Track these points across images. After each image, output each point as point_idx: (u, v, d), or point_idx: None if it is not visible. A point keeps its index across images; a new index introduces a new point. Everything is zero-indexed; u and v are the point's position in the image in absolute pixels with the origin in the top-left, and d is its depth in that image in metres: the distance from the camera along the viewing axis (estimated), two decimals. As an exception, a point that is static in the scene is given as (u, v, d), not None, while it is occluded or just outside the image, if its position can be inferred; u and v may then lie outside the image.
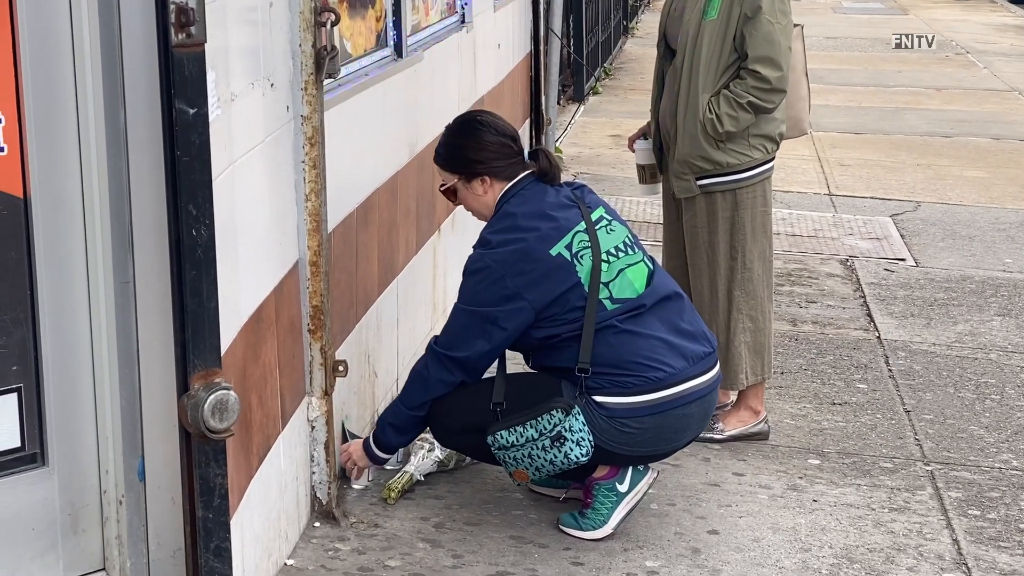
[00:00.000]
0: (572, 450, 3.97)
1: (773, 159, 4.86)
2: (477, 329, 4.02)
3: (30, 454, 3.14)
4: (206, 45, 2.87)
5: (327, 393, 4.07)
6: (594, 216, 4.13)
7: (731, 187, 4.76)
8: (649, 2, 20.13)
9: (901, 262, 7.51)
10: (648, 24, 17.77)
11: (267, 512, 3.73)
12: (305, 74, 3.83)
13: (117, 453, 3.20)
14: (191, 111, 2.85)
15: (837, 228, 8.21)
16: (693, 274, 4.86)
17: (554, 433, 3.96)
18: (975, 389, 5.60)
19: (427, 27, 5.58)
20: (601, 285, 4.02)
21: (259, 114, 3.60)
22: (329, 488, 4.13)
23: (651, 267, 4.17)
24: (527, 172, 4.16)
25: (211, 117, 2.98)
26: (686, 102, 4.73)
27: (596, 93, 12.71)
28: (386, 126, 4.85)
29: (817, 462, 4.80)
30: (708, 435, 4.89)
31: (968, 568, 4.09)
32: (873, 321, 6.45)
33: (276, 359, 3.76)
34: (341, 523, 4.14)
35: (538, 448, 3.98)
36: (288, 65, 3.79)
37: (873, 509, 4.45)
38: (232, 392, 2.94)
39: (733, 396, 5.05)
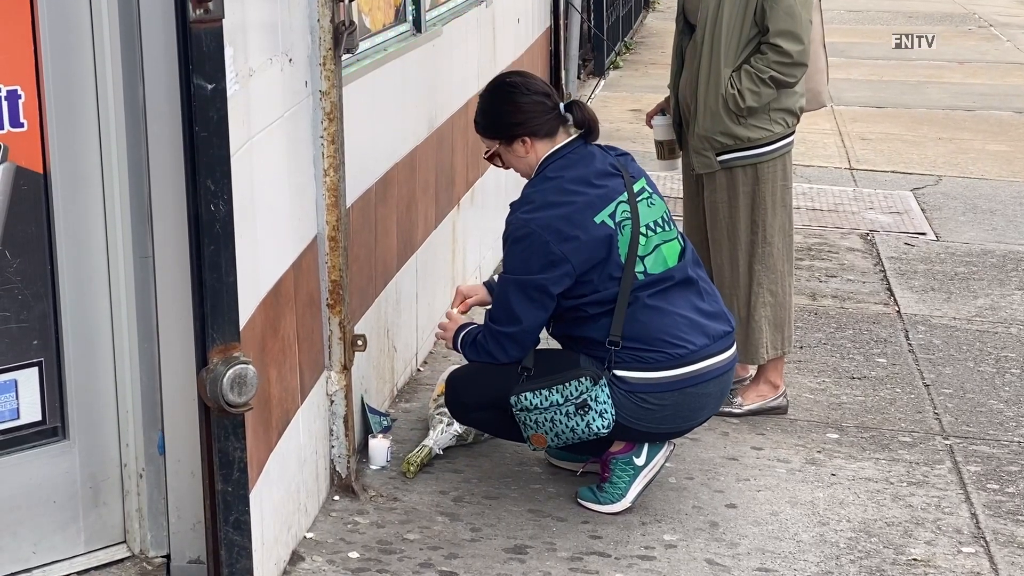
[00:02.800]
0: (594, 420, 3.97)
1: (793, 133, 4.85)
2: (528, 298, 4.01)
3: (51, 428, 3.17)
4: (224, 21, 2.88)
5: (346, 367, 4.09)
6: (636, 187, 4.11)
7: (752, 162, 4.75)
8: (670, -24, 20.06)
9: (922, 236, 7.49)
10: (669, -2, 17.73)
11: (286, 485, 3.75)
12: (323, 49, 3.84)
13: (137, 427, 3.24)
14: (209, 87, 2.87)
15: (858, 202, 8.19)
16: (714, 249, 4.85)
17: (579, 400, 3.97)
18: (995, 363, 5.59)
19: (446, 2, 5.58)
20: (637, 259, 4.02)
21: (277, 89, 3.60)
22: (348, 462, 4.16)
23: (683, 244, 4.17)
24: (572, 136, 4.15)
25: (229, 93, 2.99)
26: (707, 77, 4.72)
27: (616, 67, 12.68)
28: (405, 101, 4.86)
29: (836, 436, 4.81)
30: (727, 409, 4.90)
31: (986, 542, 4.09)
32: (893, 295, 6.43)
33: (295, 333, 3.78)
34: (360, 496, 4.16)
35: (561, 414, 3.99)
36: (306, 40, 3.80)
37: (891, 483, 4.45)
38: (251, 366, 2.96)
39: (752, 370, 5.05)
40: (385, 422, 4.55)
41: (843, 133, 10.11)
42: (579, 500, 4.19)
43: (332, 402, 4.10)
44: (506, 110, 4.15)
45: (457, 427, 4.50)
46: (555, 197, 4.02)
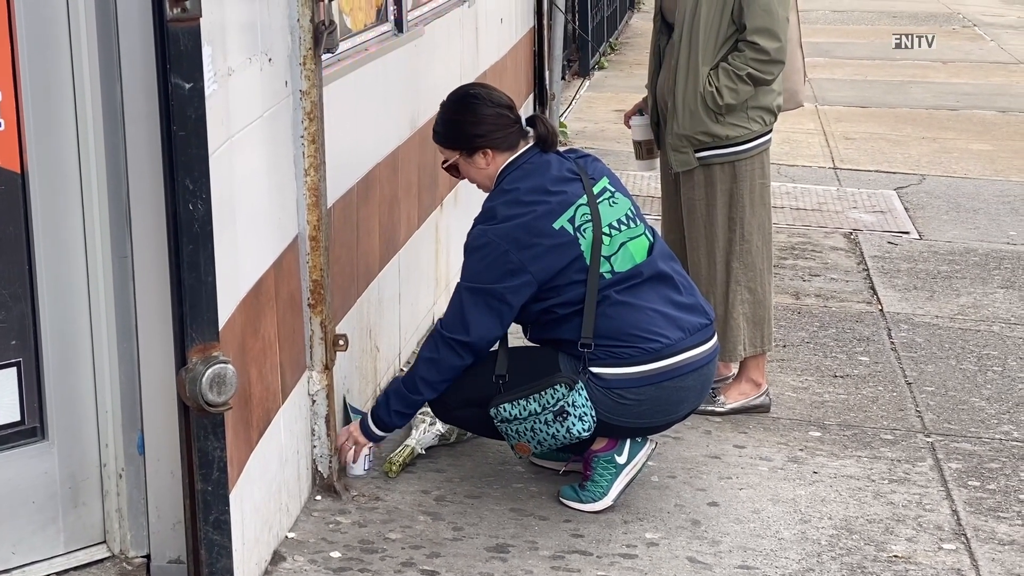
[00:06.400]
0: (574, 424, 3.98)
1: (771, 131, 4.86)
2: (483, 307, 4.02)
3: (30, 428, 3.17)
4: (202, 19, 2.88)
5: (327, 367, 4.08)
6: (596, 188, 4.12)
7: (730, 159, 4.76)
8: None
9: (905, 235, 7.50)
10: (654, -2, 17.72)
11: (267, 485, 3.75)
12: (303, 49, 3.83)
13: (117, 427, 3.23)
14: (187, 86, 2.87)
15: (841, 201, 8.21)
16: (691, 247, 4.86)
17: (557, 408, 3.98)
18: (977, 361, 5.60)
19: (428, 2, 5.58)
20: (603, 259, 4.03)
21: (257, 89, 3.60)
22: (330, 462, 4.15)
23: (651, 239, 4.17)
24: (529, 145, 4.17)
25: (208, 92, 2.99)
26: (685, 76, 4.73)
27: (601, 68, 12.69)
28: (387, 101, 4.86)
29: (818, 434, 4.82)
30: (709, 408, 4.91)
31: (967, 538, 4.11)
32: (876, 294, 6.45)
33: (276, 333, 3.77)
34: (342, 496, 4.16)
35: (540, 422, 4.00)
36: (286, 40, 3.79)
37: (873, 480, 4.46)
38: (230, 366, 2.96)
39: (735, 369, 5.06)
40: (367, 422, 4.54)
41: (827, 132, 10.13)
42: (561, 499, 4.20)
43: (314, 402, 4.09)
44: (469, 121, 4.16)
45: (440, 427, 4.50)
46: (513, 209, 4.02)
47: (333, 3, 4.00)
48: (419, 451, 4.45)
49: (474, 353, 4.06)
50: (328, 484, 4.16)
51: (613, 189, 4.17)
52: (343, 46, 4.33)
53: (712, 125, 4.72)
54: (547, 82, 8.56)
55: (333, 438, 4.15)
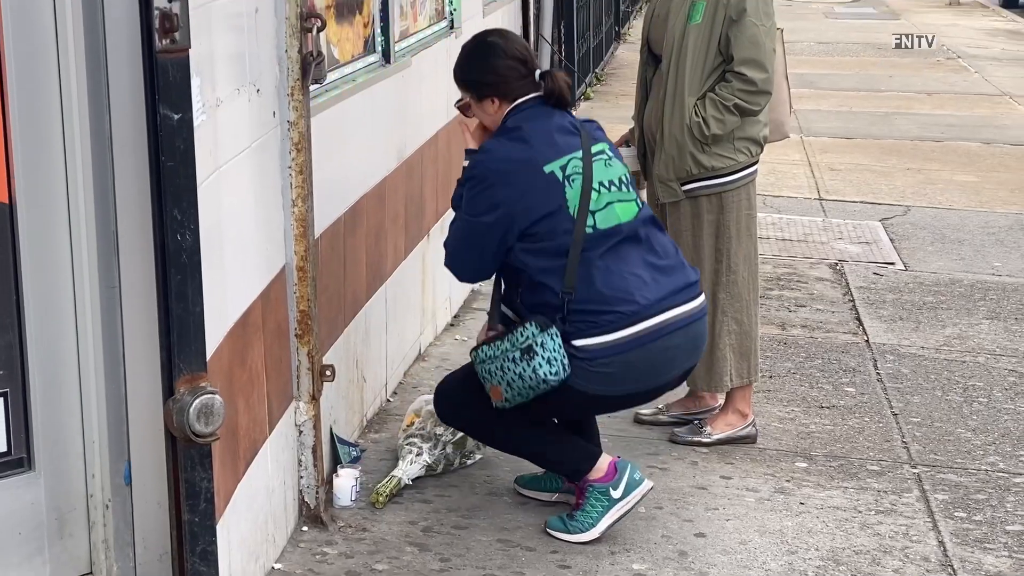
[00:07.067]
0: (541, 366, 3.97)
1: (757, 162, 4.88)
2: (471, 239, 4.09)
3: (16, 458, 3.15)
4: (191, 51, 2.88)
5: (314, 398, 4.08)
6: (595, 148, 4.17)
7: (716, 191, 4.78)
8: (641, 7, 20.16)
9: (890, 266, 7.53)
10: (640, 29, 17.77)
11: (254, 516, 3.74)
12: (291, 80, 3.85)
13: (103, 457, 3.22)
14: (175, 116, 2.87)
15: (827, 232, 8.23)
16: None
17: (525, 346, 3.99)
18: (963, 392, 5.62)
19: (415, 33, 5.60)
20: (589, 213, 4.05)
21: (245, 119, 3.61)
22: (317, 492, 4.15)
23: (640, 207, 4.19)
24: (535, 94, 4.20)
25: (196, 123, 3.00)
26: (672, 106, 4.75)
27: (588, 99, 12.73)
28: (374, 131, 4.87)
29: (804, 465, 4.82)
30: (696, 438, 4.91)
31: (954, 570, 4.11)
32: (862, 325, 6.46)
33: (263, 363, 3.77)
34: (329, 527, 4.15)
35: (509, 360, 4.01)
36: (274, 71, 3.81)
37: (860, 512, 4.46)
38: (217, 396, 2.95)
39: (721, 399, 5.07)
40: (354, 452, 4.54)
41: (812, 163, 10.17)
42: (548, 529, 4.19)
43: (301, 432, 4.09)
44: (481, 69, 4.23)
45: (427, 457, 4.50)
46: (509, 145, 4.09)
47: (321, 34, 4.01)
48: (406, 482, 4.44)
49: (458, 273, 4.23)
50: (315, 515, 4.15)
51: (612, 154, 4.22)
52: (331, 77, 4.35)
53: (699, 155, 4.73)
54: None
55: (320, 468, 4.15)
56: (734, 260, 4.85)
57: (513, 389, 4.04)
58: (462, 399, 4.25)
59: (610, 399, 4.15)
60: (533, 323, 4.00)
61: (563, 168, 4.07)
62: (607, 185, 4.12)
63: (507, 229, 4.04)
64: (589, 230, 4.05)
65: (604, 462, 4.19)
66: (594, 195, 4.07)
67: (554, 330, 3.99)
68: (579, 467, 4.20)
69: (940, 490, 4.66)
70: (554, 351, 3.98)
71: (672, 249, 4.24)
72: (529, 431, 4.21)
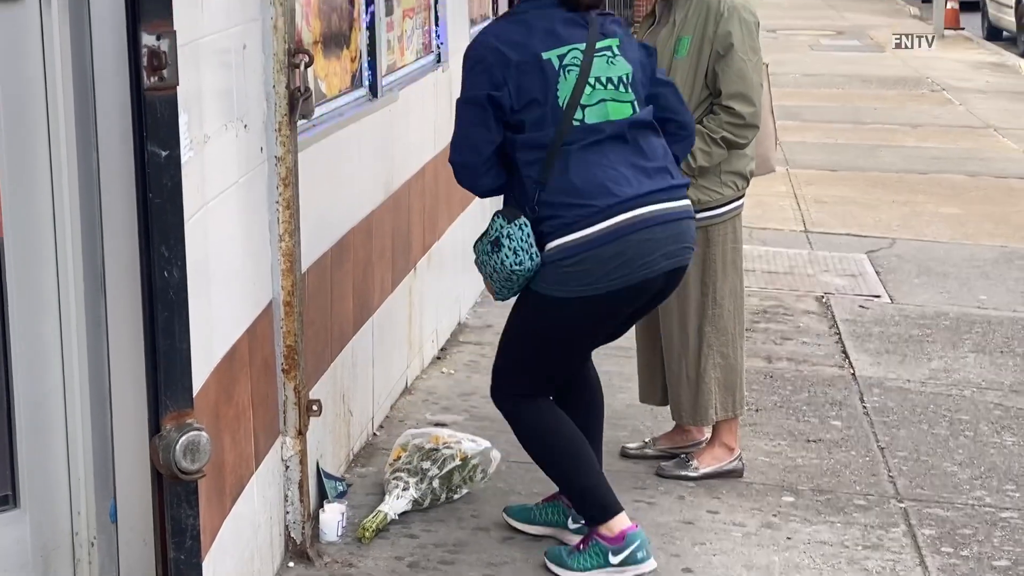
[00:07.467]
0: (507, 257, 3.97)
1: (743, 196, 4.90)
2: (470, 121, 4.04)
3: (2, 496, 3.13)
4: (178, 88, 2.89)
5: (301, 433, 4.08)
6: (601, 44, 4.09)
7: (702, 224, 4.78)
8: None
9: (876, 299, 7.54)
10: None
11: (240, 552, 3.72)
12: (279, 115, 3.86)
13: (89, 494, 3.21)
14: (163, 153, 2.88)
15: (813, 265, 8.25)
16: (663, 310, 4.86)
17: (493, 238, 4.02)
18: (949, 426, 5.62)
19: (402, 67, 5.61)
20: (579, 106, 4.00)
21: (233, 155, 3.62)
22: (303, 528, 4.13)
23: (636, 111, 4.09)
24: None
25: (184, 159, 3.01)
26: (659, 141, 4.76)
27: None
28: (361, 165, 4.88)
29: (791, 499, 4.82)
30: (683, 472, 4.91)
31: (941, 605, 4.11)
32: (848, 358, 6.47)
33: (250, 399, 3.77)
34: (315, 563, 4.14)
35: (485, 253, 4.05)
36: (262, 106, 3.82)
37: (847, 547, 4.46)
38: (204, 433, 2.95)
39: (708, 433, 5.07)
40: (340, 487, 4.53)
41: (798, 196, 10.20)
42: (546, 559, 4.17)
43: (287, 467, 4.08)
44: None
45: (413, 492, 4.49)
46: (509, 28, 4.08)
47: (309, 70, 4.02)
48: (392, 517, 4.43)
49: (466, 175, 4.13)
50: (301, 550, 4.14)
51: (618, 52, 4.12)
52: (319, 111, 4.36)
53: (685, 189, 4.74)
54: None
55: (307, 504, 4.14)
56: (720, 293, 4.86)
57: (495, 281, 4.07)
58: (510, 389, 4.22)
59: (593, 313, 4.04)
60: (500, 215, 4.03)
61: (560, 57, 4.01)
62: (603, 82, 4.04)
63: (499, 106, 3.98)
64: (576, 123, 3.99)
65: (618, 524, 4.12)
66: (587, 89, 4.01)
67: (523, 220, 3.98)
68: (595, 514, 4.15)
69: (927, 525, 4.66)
70: (521, 241, 3.97)
71: (661, 153, 4.13)
72: (569, 454, 4.17)
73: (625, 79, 4.10)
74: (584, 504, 4.19)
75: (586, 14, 4.11)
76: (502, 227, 3.99)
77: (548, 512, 4.41)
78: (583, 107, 4.00)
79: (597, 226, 3.95)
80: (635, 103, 4.10)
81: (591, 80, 4.02)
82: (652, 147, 4.10)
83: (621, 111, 4.06)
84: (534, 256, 3.97)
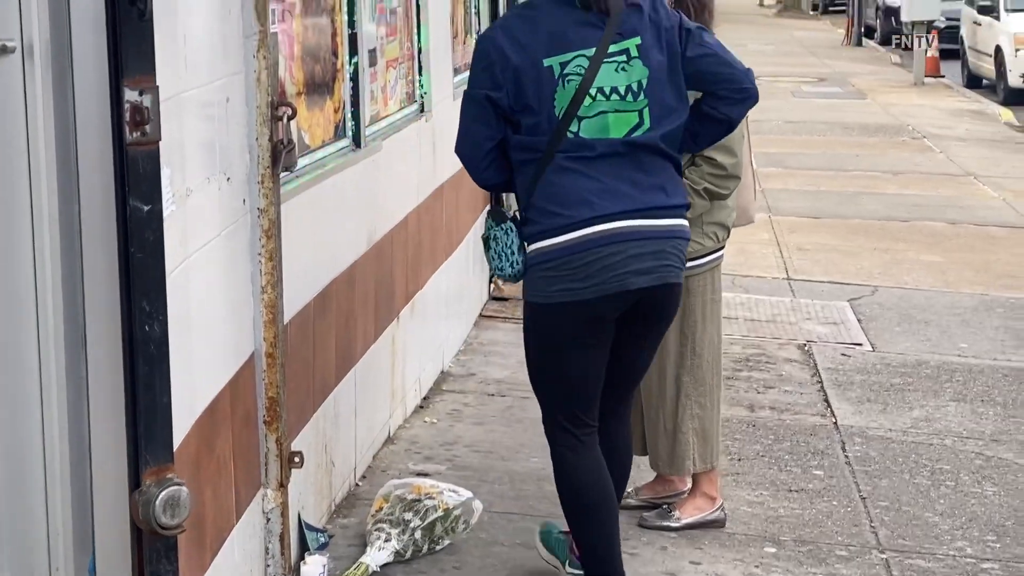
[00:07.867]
0: (494, 259, 4.08)
1: (723, 247, 4.92)
2: (473, 114, 4.04)
3: (-20, 551, 3.12)
4: (161, 142, 2.90)
5: (282, 485, 4.06)
6: (616, 47, 3.97)
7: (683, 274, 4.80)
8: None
9: (858, 347, 7.56)
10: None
11: (220, 606, 3.71)
12: (262, 168, 3.87)
13: (68, 550, 3.19)
14: (145, 208, 2.88)
15: (795, 313, 8.28)
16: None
17: (484, 237, 4.12)
18: (930, 475, 5.63)
19: (386, 117, 5.63)
20: (575, 118, 3.94)
21: (215, 208, 3.62)
22: (284, 580, 4.12)
23: (640, 121, 3.98)
24: None
25: (166, 213, 3.01)
26: (641, 192, 4.78)
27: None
28: (344, 216, 4.88)
29: (773, 550, 4.81)
30: (665, 523, 4.90)
31: (923, 657, 4.11)
32: (830, 406, 6.48)
33: (231, 451, 3.76)
34: (296, 615, 4.12)
35: (483, 244, 4.15)
36: (245, 159, 3.82)
37: (829, 598, 4.46)
38: (184, 488, 2.94)
39: (689, 483, 5.06)
40: (322, 539, 4.51)
41: (781, 243, 10.23)
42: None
43: (268, 520, 4.07)
44: None
45: (395, 543, 4.48)
46: (520, 23, 4.05)
47: (292, 122, 4.03)
48: (374, 568, 4.42)
49: (469, 166, 4.13)
50: (281, 603, 4.12)
51: (636, 54, 3.98)
52: (302, 162, 4.37)
53: (667, 242, 4.75)
54: (504, 195, 8.60)
55: (287, 556, 4.12)
56: (699, 344, 4.87)
57: (494, 266, 4.14)
58: (545, 417, 4.19)
59: (578, 315, 3.97)
60: (489, 216, 4.10)
61: (563, 64, 3.94)
62: (607, 92, 3.94)
63: (498, 106, 3.97)
64: (570, 135, 3.94)
65: None
66: (587, 101, 3.93)
67: (508, 226, 4.03)
68: (594, 573, 4.14)
69: (908, 575, 4.67)
70: (505, 247, 4.03)
71: (660, 169, 4.03)
72: (588, 508, 4.13)
73: (637, 86, 3.97)
74: (587, 561, 4.16)
75: (602, 16, 3.98)
76: (491, 228, 4.09)
77: (561, 545, 4.40)
78: (580, 119, 3.93)
79: (569, 235, 3.94)
80: (644, 111, 3.98)
81: (592, 91, 3.93)
82: (652, 162, 4.01)
83: (624, 123, 3.96)
84: (516, 263, 4.02)
